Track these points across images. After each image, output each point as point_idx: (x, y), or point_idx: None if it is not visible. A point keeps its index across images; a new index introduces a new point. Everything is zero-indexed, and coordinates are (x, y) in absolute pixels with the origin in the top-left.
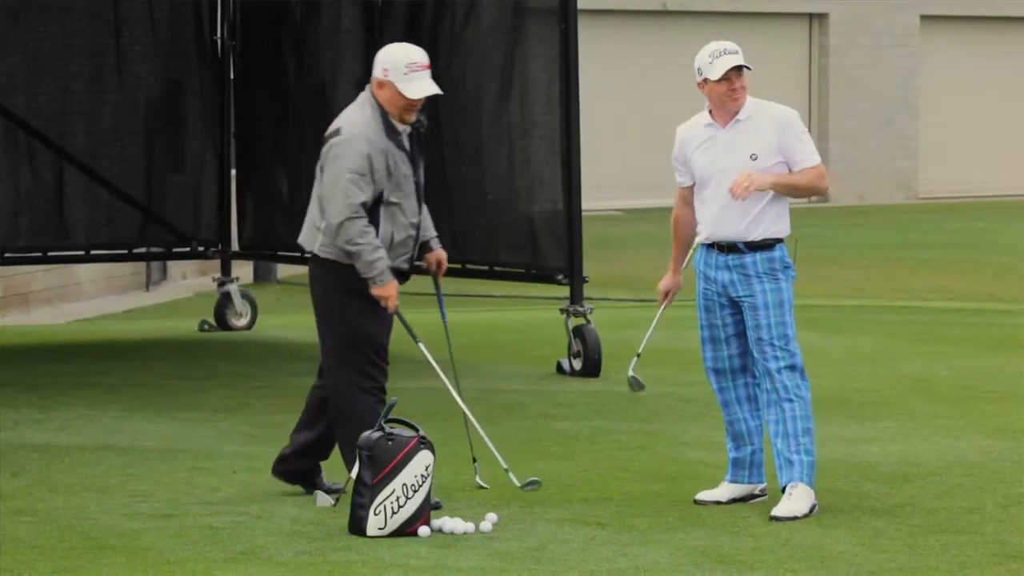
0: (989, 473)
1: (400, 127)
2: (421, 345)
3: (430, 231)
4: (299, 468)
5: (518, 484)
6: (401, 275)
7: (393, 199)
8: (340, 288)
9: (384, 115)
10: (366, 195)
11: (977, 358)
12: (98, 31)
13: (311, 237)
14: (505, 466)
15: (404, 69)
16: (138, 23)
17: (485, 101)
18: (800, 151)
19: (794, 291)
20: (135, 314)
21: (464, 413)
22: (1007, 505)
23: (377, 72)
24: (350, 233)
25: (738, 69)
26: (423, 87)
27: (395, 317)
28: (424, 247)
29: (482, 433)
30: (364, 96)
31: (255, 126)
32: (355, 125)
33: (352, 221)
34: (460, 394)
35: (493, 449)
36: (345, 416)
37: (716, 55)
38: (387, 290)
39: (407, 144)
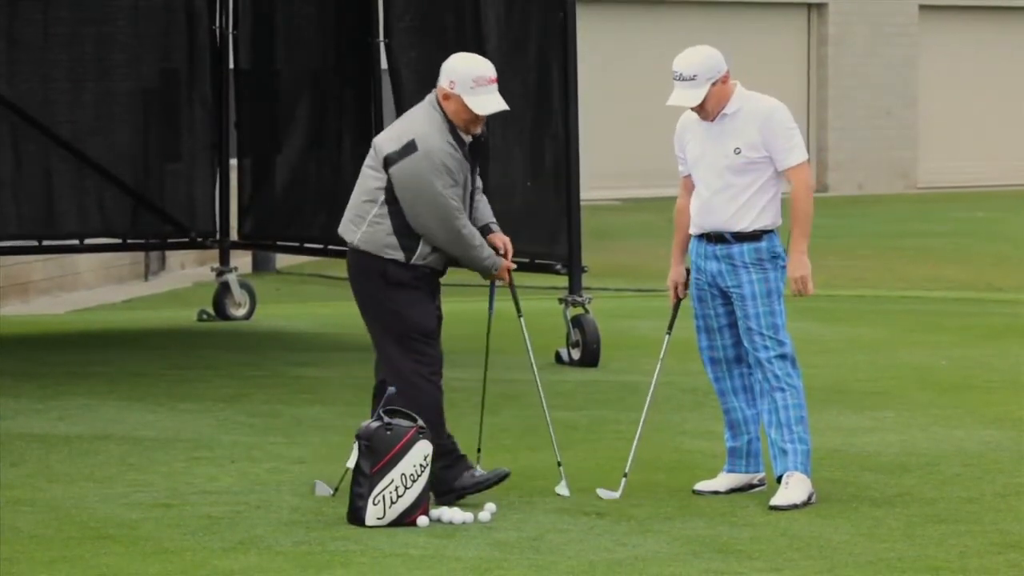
0: (988, 463)
1: (466, 139)
2: (522, 321)
3: (487, 217)
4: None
5: (566, 489)
6: (437, 273)
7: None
8: (381, 280)
9: (454, 129)
10: (460, 200)
11: (976, 347)
12: (97, 18)
13: (350, 230)
14: (559, 460)
15: (471, 83)
16: (138, 11)
17: None
18: (783, 148)
19: (784, 281)
20: (134, 304)
21: (541, 399)
22: (1006, 495)
23: (443, 82)
24: (469, 239)
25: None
26: (491, 103)
27: (437, 304)
28: (484, 230)
29: (549, 422)
30: (429, 104)
31: (255, 115)
32: (429, 137)
33: (468, 225)
34: (539, 383)
35: (555, 445)
36: (416, 407)
37: (674, 77)
38: (501, 266)
39: (469, 155)
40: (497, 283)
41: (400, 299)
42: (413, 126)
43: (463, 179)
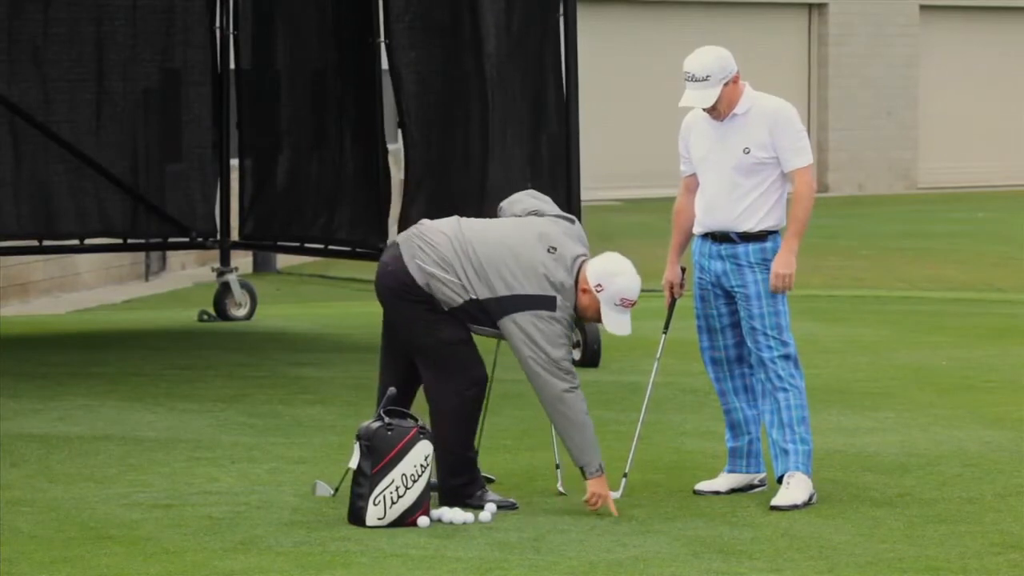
0: (988, 463)
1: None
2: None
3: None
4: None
5: (561, 488)
6: None
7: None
8: (411, 300)
9: (573, 310)
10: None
11: (977, 348)
12: (96, 18)
13: (415, 255)
14: (557, 461)
15: (618, 300)
16: (138, 11)
17: (488, 89)
18: (790, 149)
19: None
20: (134, 304)
21: None
22: (1006, 495)
23: (591, 277)
24: (579, 405)
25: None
26: (623, 328)
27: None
28: None
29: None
30: (566, 278)
31: (256, 115)
32: (562, 293)
33: (577, 392)
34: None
35: (555, 447)
36: (454, 423)
37: (686, 78)
38: (602, 486)
39: None
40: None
41: (435, 318)
42: (559, 271)
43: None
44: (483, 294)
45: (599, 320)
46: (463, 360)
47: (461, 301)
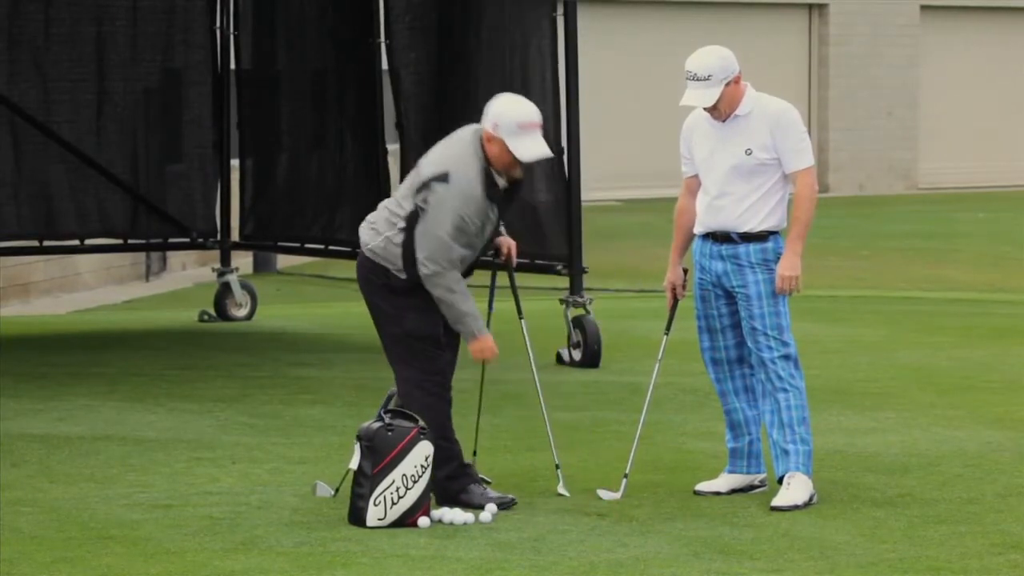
0: (989, 463)
1: (501, 182)
2: (523, 323)
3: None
4: None
5: (565, 490)
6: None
7: (467, 250)
8: (385, 288)
9: (487, 169)
10: (462, 250)
11: (977, 348)
12: (97, 18)
13: (369, 234)
14: (557, 462)
15: (515, 127)
16: (138, 11)
17: (484, 90)
18: (792, 151)
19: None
20: (135, 304)
21: (540, 401)
22: (1007, 495)
23: (487, 124)
24: (447, 281)
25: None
26: (535, 149)
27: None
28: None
29: (547, 422)
30: (472, 142)
31: (256, 116)
32: (463, 179)
33: (451, 273)
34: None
35: (553, 447)
36: (420, 414)
37: (687, 77)
38: (483, 343)
39: (500, 197)
40: (482, 362)
41: (402, 303)
42: (454, 159)
43: (481, 224)
44: (407, 206)
45: (516, 165)
46: (423, 352)
47: (400, 244)
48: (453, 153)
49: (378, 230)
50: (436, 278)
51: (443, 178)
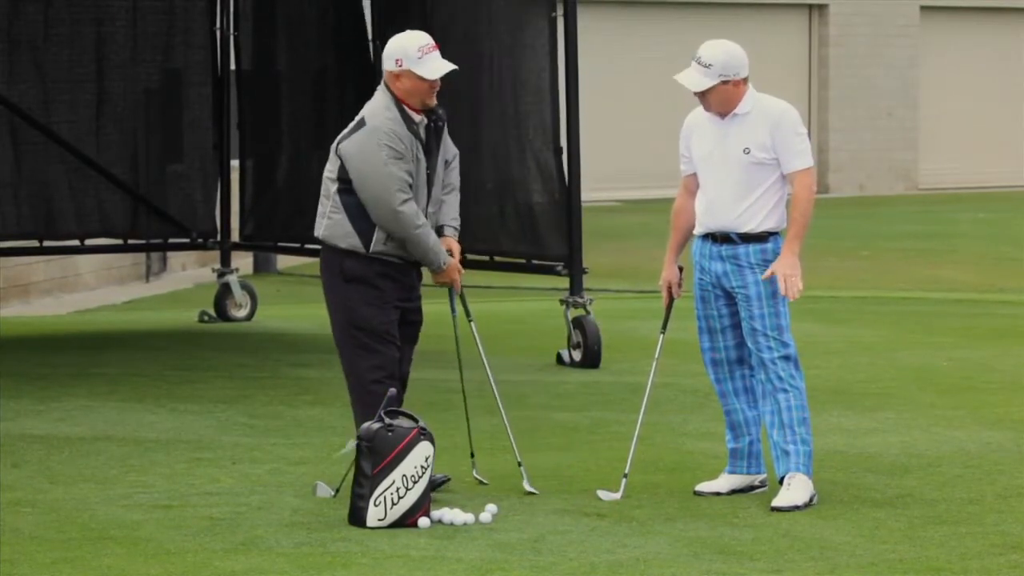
0: (989, 464)
1: (416, 118)
2: (473, 325)
3: (447, 217)
4: None
5: (528, 485)
6: (404, 268)
7: (411, 178)
8: (339, 276)
9: (401, 106)
10: (407, 176)
11: (977, 349)
12: (97, 18)
13: (317, 224)
14: (519, 460)
15: (417, 54)
16: (138, 11)
17: (482, 90)
18: (790, 151)
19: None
20: (135, 305)
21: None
22: (1007, 496)
23: (389, 65)
24: (409, 217)
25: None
26: (439, 66)
27: (414, 303)
28: (439, 231)
29: (507, 422)
30: (379, 97)
31: (256, 116)
32: (377, 115)
33: (408, 203)
34: (496, 385)
35: (513, 442)
36: (367, 408)
37: (692, 58)
38: (450, 274)
39: (423, 134)
40: (449, 287)
41: (353, 295)
42: (364, 111)
43: (413, 155)
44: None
45: (429, 92)
46: (370, 345)
47: (340, 208)
48: (365, 108)
49: (322, 214)
50: (398, 217)
51: (359, 124)
